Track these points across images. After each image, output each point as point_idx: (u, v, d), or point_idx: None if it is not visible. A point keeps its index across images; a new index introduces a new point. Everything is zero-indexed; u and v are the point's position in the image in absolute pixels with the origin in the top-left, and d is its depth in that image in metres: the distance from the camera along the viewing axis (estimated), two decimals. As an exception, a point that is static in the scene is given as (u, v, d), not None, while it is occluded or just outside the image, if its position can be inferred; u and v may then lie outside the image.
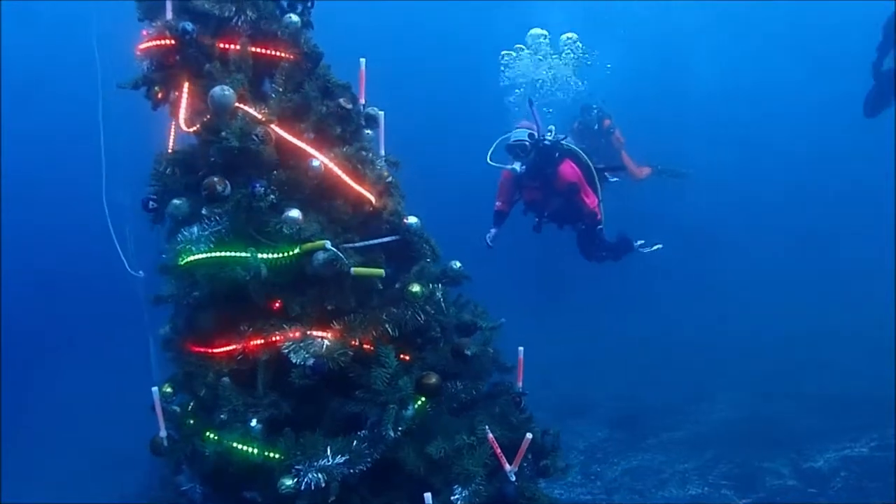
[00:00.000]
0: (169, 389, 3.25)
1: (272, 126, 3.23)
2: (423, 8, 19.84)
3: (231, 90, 3.11)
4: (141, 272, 5.56)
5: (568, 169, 6.98)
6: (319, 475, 2.85)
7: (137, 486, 6.42)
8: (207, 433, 3.13)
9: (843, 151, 16.52)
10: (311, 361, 2.93)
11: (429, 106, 18.20)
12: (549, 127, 7.22)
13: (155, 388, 3.20)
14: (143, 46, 3.44)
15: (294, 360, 2.99)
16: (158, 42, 3.35)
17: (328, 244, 3.04)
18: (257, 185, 3.10)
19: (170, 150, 3.59)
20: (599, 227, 7.22)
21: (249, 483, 3.13)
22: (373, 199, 3.40)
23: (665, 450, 6.95)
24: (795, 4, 19.14)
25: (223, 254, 3.12)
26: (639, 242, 7.76)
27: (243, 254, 3.08)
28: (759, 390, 8.08)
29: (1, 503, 7.63)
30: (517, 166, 6.89)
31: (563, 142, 7.07)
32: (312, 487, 2.84)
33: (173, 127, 3.54)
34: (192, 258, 3.17)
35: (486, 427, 3.31)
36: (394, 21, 20.21)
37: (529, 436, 3.28)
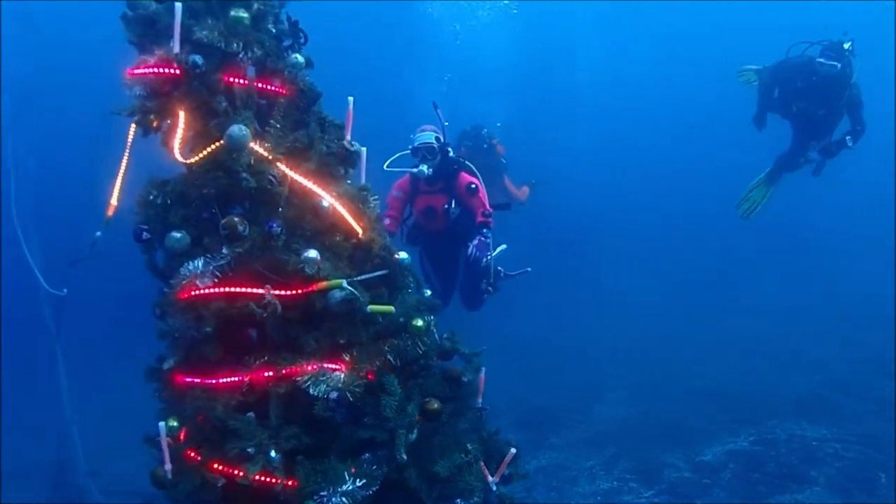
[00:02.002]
0: (174, 423, 3.27)
1: (280, 165, 3.36)
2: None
3: (248, 129, 3.20)
4: (65, 290, 5.40)
5: (468, 173, 7.04)
6: (344, 499, 3.04)
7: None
8: (216, 465, 3.22)
9: (724, 155, 18.34)
10: (334, 395, 3.10)
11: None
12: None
13: (162, 423, 3.22)
14: (138, 72, 3.41)
15: (313, 393, 3.14)
16: (161, 71, 3.35)
17: (345, 283, 3.22)
18: (273, 224, 3.22)
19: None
20: (487, 231, 6.84)
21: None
22: (373, 235, 3.60)
23: (569, 449, 7.60)
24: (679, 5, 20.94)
25: (238, 290, 3.20)
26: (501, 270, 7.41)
27: (259, 290, 3.19)
28: (645, 390, 9.01)
29: (1, 503, 7.19)
30: (424, 168, 6.72)
31: (459, 158, 7.22)
32: (339, 513, 3.02)
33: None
34: (200, 292, 3.22)
35: (476, 446, 3.63)
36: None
37: (513, 450, 3.67)
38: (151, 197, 3.49)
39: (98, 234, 3.76)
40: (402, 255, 3.71)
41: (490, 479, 3.65)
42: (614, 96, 22.11)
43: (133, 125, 3.57)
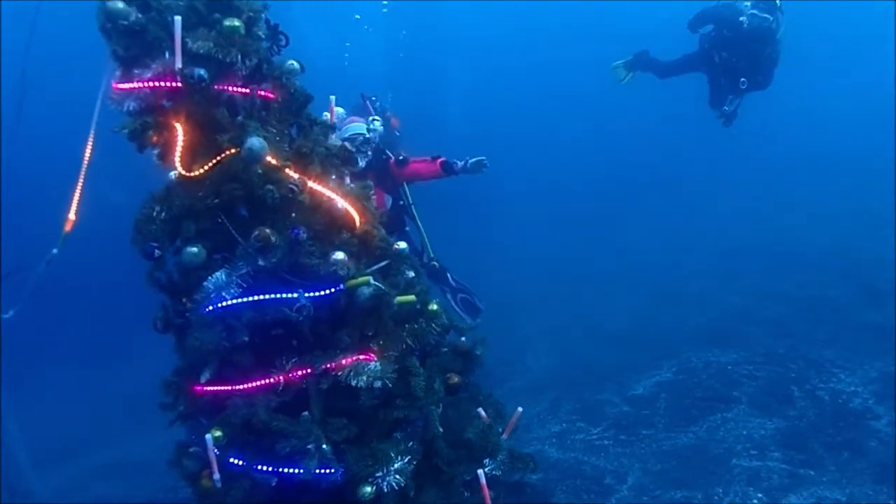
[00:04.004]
0: (219, 433, 3.36)
1: (289, 172, 3.46)
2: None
3: (265, 142, 3.28)
4: (11, 312, 5.27)
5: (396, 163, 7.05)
6: (397, 476, 3.31)
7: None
8: (261, 467, 3.38)
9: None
10: (378, 384, 3.33)
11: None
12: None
13: (208, 435, 3.30)
14: (132, 86, 3.37)
15: (354, 384, 3.36)
16: (160, 85, 3.33)
17: (371, 279, 3.42)
18: (299, 231, 3.34)
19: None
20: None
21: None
22: (373, 228, 3.80)
23: (513, 399, 8.10)
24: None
25: (270, 296, 3.32)
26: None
27: (292, 295, 3.32)
28: (564, 336, 9.74)
29: (1, 503, 6.76)
30: (359, 158, 6.60)
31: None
32: (396, 489, 3.29)
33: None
34: (230, 302, 3.31)
35: (491, 410, 4.00)
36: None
37: (520, 409, 4.09)
38: (155, 213, 3.49)
39: (54, 251, 3.69)
40: (402, 244, 3.94)
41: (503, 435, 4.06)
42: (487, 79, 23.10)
43: (88, 144, 3.51)
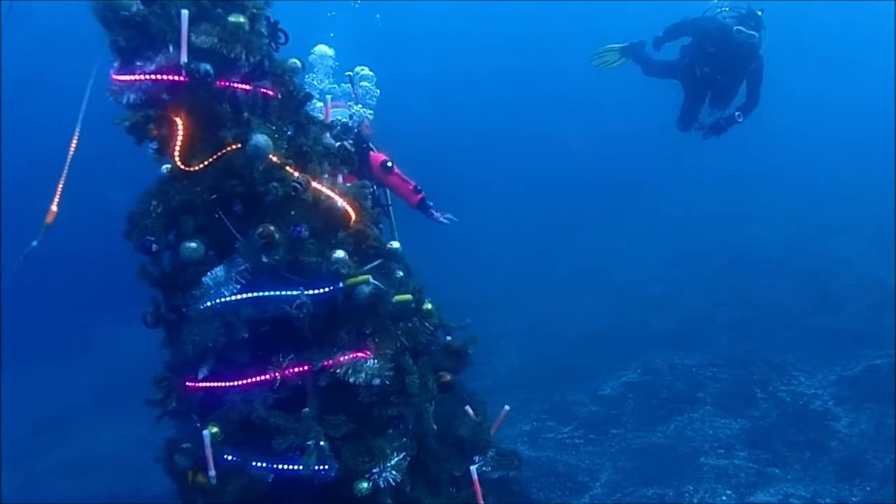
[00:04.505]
0: (216, 430, 3.35)
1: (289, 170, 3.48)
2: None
3: (270, 140, 3.28)
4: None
5: (376, 150, 6.63)
6: (394, 472, 3.36)
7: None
8: (256, 463, 3.39)
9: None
10: (377, 381, 3.37)
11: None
12: None
13: (206, 432, 3.29)
14: (133, 78, 3.33)
15: (352, 381, 3.39)
16: (163, 78, 3.30)
17: (370, 278, 3.46)
18: (301, 229, 3.35)
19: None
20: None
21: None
22: (366, 227, 3.83)
23: (483, 398, 8.26)
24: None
25: (272, 293, 3.33)
26: None
27: (294, 292, 3.34)
28: (531, 337, 9.91)
29: (1, 503, 6.64)
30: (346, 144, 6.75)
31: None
32: (392, 484, 3.34)
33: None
34: (232, 298, 3.31)
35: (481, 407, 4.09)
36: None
37: (507, 408, 4.19)
38: (151, 207, 3.46)
39: (34, 243, 3.62)
40: (395, 244, 3.99)
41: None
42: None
43: (75, 139, 3.46)
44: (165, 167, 3.63)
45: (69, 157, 3.50)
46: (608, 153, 18.82)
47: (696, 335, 8.57)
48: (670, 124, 8.77)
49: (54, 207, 3.51)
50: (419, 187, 6.28)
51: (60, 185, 3.49)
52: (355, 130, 6.62)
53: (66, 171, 3.48)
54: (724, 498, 5.07)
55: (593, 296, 11.20)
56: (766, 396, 6.41)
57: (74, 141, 3.48)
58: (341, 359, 3.44)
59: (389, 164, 6.55)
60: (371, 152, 6.73)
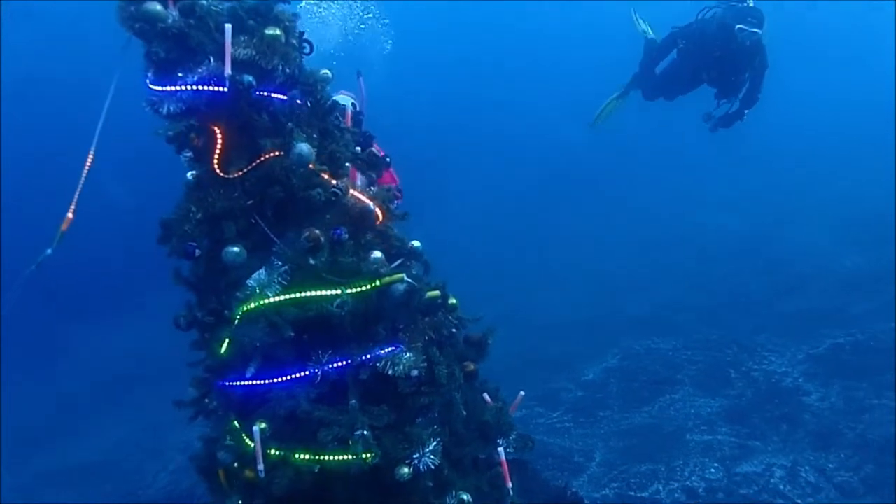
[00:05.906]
0: (264, 425, 3.51)
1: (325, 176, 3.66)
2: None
3: (312, 148, 3.46)
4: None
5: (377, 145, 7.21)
6: (432, 457, 3.59)
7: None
8: (300, 455, 3.58)
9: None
10: (415, 373, 3.59)
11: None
12: None
13: (256, 427, 3.45)
14: (174, 88, 3.45)
15: (391, 374, 3.60)
16: (205, 88, 3.43)
17: (405, 276, 3.67)
18: (341, 231, 3.54)
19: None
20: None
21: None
22: (389, 227, 4.04)
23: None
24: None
25: (315, 293, 3.51)
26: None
27: (335, 291, 3.53)
28: (511, 325, 10.20)
29: (1, 503, 6.60)
30: None
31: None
32: (431, 468, 3.57)
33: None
34: (279, 299, 3.48)
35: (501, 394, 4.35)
36: None
37: (522, 393, 4.48)
38: (191, 213, 3.60)
39: (48, 251, 3.72)
40: (416, 243, 4.20)
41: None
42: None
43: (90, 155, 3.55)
44: (191, 174, 3.77)
45: (86, 166, 3.60)
46: (577, 149, 19.25)
47: (669, 321, 9.03)
48: (641, 118, 9.13)
49: (70, 214, 3.61)
50: (399, 188, 6.55)
51: (77, 193, 3.59)
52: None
53: (83, 179, 3.59)
54: (712, 470, 5.48)
55: (567, 287, 11.61)
56: (740, 376, 6.87)
57: (91, 153, 3.58)
58: (380, 353, 3.63)
59: (389, 159, 6.78)
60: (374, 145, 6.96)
